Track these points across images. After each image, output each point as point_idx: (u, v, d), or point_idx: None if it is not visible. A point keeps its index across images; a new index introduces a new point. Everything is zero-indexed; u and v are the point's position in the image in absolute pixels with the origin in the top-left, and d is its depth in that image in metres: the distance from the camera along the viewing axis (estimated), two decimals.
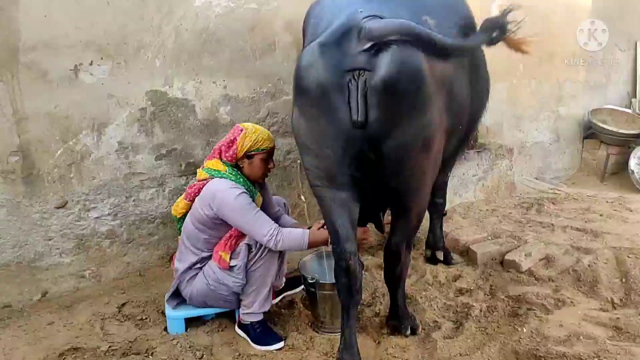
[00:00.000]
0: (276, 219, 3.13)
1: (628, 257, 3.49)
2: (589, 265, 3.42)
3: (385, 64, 1.94)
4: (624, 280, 3.25)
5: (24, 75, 3.06)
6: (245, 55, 3.77)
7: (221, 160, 2.83)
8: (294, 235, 2.70)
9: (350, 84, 1.99)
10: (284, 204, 3.38)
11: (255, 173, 2.86)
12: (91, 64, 3.24)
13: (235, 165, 2.83)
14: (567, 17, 5.92)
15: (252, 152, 2.80)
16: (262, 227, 2.67)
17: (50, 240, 3.31)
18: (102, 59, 3.26)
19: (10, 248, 3.20)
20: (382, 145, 2.07)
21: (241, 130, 2.82)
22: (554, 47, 5.90)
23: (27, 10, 3.01)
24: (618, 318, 2.87)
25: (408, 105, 2.04)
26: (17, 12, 2.99)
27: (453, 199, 4.65)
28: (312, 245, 2.75)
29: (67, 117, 3.22)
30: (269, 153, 2.87)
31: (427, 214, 3.56)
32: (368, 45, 1.95)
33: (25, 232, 3.23)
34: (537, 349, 2.60)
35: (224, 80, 3.72)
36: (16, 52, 3.02)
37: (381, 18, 2.02)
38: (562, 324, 2.83)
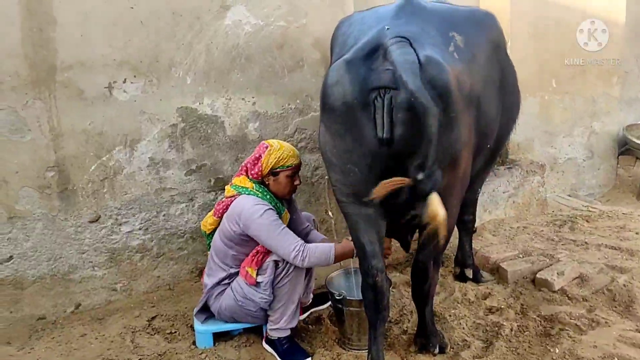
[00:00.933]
0: (306, 235, 3.14)
1: None
2: (624, 285, 3.32)
3: (411, 81, 1.93)
4: None
5: (60, 93, 3.16)
6: (274, 72, 3.82)
7: (248, 177, 2.86)
8: (320, 250, 2.70)
9: (376, 102, 1.99)
10: (313, 220, 3.38)
11: (282, 190, 2.88)
12: (125, 81, 3.33)
13: (262, 182, 2.85)
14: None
15: (277, 169, 2.82)
16: (288, 244, 2.68)
17: (83, 253, 3.39)
18: (135, 76, 3.35)
19: (46, 261, 3.29)
20: (407, 163, 2.05)
21: (266, 147, 2.84)
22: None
23: (65, 31, 3.12)
24: None
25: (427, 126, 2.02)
26: (54, 32, 3.10)
27: (483, 215, 4.59)
28: (339, 258, 2.74)
29: (101, 134, 3.32)
30: (294, 170, 2.88)
31: (456, 231, 3.53)
32: (391, 65, 1.95)
33: (60, 246, 3.31)
34: None
35: (253, 97, 3.77)
36: (54, 71, 3.13)
37: (408, 40, 2.01)
38: (596, 345, 2.75)
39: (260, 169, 2.81)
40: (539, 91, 5.62)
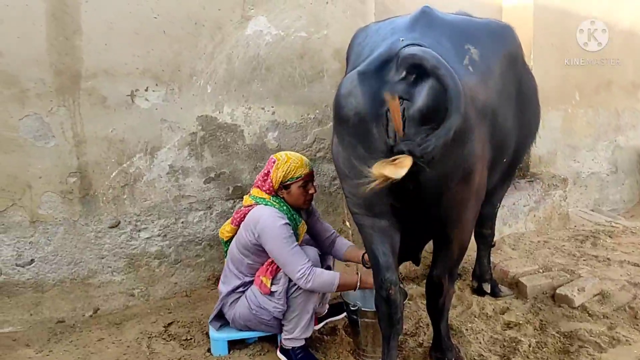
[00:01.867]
0: (332, 242, 3.15)
1: None
2: None
3: (423, 93, 1.92)
4: None
5: (84, 100, 3.23)
6: (294, 82, 3.84)
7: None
8: (325, 278, 2.71)
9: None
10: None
11: (296, 201, 2.87)
12: (147, 90, 3.38)
13: (276, 195, 2.86)
14: (626, 46, 5.75)
15: (288, 182, 2.82)
16: (295, 264, 2.68)
17: (103, 258, 3.43)
18: (157, 85, 3.41)
19: (66, 265, 3.34)
20: (420, 176, 2.03)
21: (274, 161, 2.84)
22: (612, 75, 5.74)
23: (90, 40, 3.19)
24: None
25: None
26: (80, 41, 3.17)
27: (502, 229, 4.54)
28: (341, 288, 2.77)
29: (123, 141, 3.37)
30: (306, 179, 2.86)
31: (474, 245, 3.49)
32: (403, 73, 1.95)
33: (80, 250, 3.37)
34: None
35: (273, 107, 3.80)
36: (78, 79, 3.20)
37: (420, 46, 2.01)
38: None
39: (271, 184, 2.82)
40: (562, 104, 5.55)
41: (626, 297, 3.38)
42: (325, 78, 3.94)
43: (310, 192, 2.90)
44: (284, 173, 2.80)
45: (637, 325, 3.10)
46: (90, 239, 3.38)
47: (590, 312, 3.26)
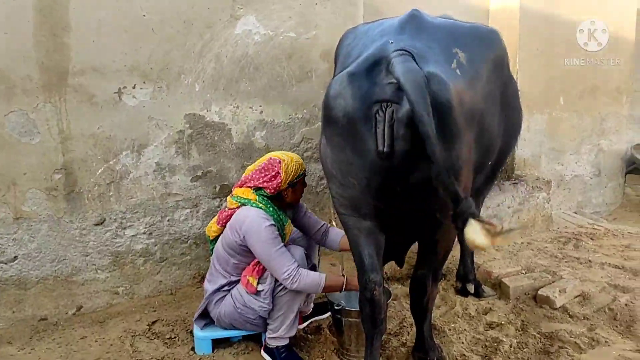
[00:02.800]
0: (324, 233, 3.18)
1: None
2: (626, 304, 3.32)
3: (409, 96, 1.90)
4: None
5: (71, 97, 3.21)
6: (282, 82, 3.85)
7: (252, 189, 2.86)
8: (312, 279, 2.73)
9: (377, 115, 1.99)
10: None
11: (297, 197, 2.97)
12: (134, 87, 3.37)
13: (270, 195, 2.87)
14: (610, 52, 5.84)
15: (295, 180, 2.88)
16: (281, 265, 2.70)
17: (87, 256, 3.42)
18: (144, 83, 3.40)
19: (50, 262, 3.32)
20: (407, 178, 2.05)
21: (278, 162, 2.85)
22: (597, 80, 5.83)
23: (78, 37, 3.18)
24: None
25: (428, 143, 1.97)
26: (68, 38, 3.16)
27: None
28: (327, 289, 2.80)
29: (109, 138, 3.36)
30: (302, 178, 2.96)
31: (458, 245, 3.53)
32: (393, 80, 1.96)
33: (64, 247, 3.35)
34: None
35: (261, 106, 3.81)
36: (65, 76, 3.18)
37: (411, 54, 2.01)
38: None
39: (280, 184, 2.83)
40: (547, 108, 5.63)
41: (606, 298, 3.44)
42: (314, 78, 3.95)
43: (302, 190, 2.99)
44: (293, 171, 2.85)
45: (616, 326, 3.15)
46: (74, 236, 3.36)
47: (570, 313, 3.32)
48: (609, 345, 2.95)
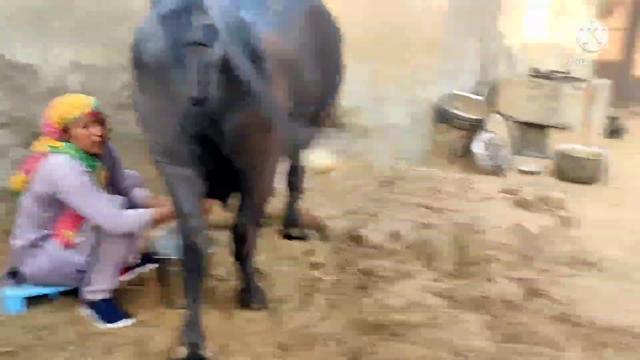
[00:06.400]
0: (126, 193, 3.01)
1: (465, 232, 3.85)
2: (430, 240, 3.71)
3: (222, 40, 1.90)
4: (459, 253, 3.58)
5: None
6: (99, 21, 3.52)
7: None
8: (138, 217, 2.63)
9: (189, 59, 1.92)
10: (138, 178, 3.23)
11: (82, 143, 2.65)
12: None
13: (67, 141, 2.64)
14: (425, 11, 6.28)
15: (67, 124, 2.62)
16: (100, 209, 2.56)
17: None
18: None
19: None
20: (221, 124, 2.05)
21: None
22: (413, 35, 6.24)
23: None
24: (451, 288, 3.15)
25: (246, 83, 1.98)
26: None
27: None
28: (157, 223, 2.70)
29: None
30: (86, 120, 2.64)
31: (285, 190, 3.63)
32: (206, 22, 1.90)
33: None
34: (379, 318, 2.79)
35: (75, 47, 3.45)
36: None
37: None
38: (402, 294, 3.05)
39: (51, 127, 2.61)
40: (370, 59, 5.90)
41: (414, 235, 3.82)
42: (135, 20, 3.66)
43: (98, 134, 2.69)
44: (58, 116, 2.61)
45: (421, 260, 3.52)
46: None
47: (384, 249, 3.63)
48: (414, 278, 3.29)
